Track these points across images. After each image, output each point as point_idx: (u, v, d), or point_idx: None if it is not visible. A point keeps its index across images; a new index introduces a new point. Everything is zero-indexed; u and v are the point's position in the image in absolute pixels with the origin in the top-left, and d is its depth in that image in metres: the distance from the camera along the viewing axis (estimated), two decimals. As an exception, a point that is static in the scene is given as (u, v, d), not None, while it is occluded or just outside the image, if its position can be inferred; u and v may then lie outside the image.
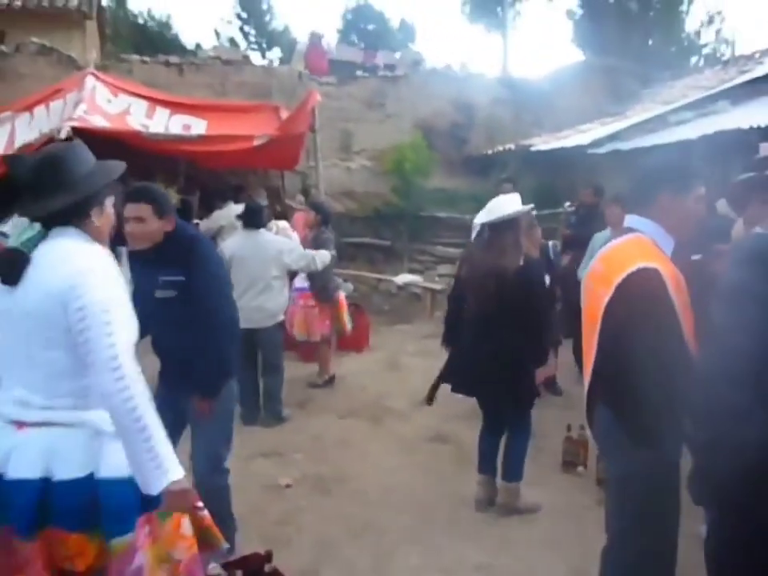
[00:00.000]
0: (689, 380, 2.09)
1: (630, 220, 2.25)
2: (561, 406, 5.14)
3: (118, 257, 2.45)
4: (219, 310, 2.91)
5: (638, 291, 2.00)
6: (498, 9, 22.98)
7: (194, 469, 2.98)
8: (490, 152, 10.78)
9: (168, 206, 2.85)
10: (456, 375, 3.73)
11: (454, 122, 11.27)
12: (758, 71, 9.46)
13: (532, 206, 3.74)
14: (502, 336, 3.49)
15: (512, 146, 10.35)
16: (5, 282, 1.87)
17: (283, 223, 6.71)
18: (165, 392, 2.91)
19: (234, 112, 8.81)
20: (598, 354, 2.14)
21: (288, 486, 4.03)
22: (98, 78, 7.82)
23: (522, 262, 3.47)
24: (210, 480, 2.98)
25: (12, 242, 1.91)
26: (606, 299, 2.07)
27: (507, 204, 3.56)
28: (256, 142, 7.42)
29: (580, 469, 4.17)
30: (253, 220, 5.02)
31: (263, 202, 7.50)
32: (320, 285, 5.81)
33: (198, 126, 7.95)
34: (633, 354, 1.98)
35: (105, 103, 7.53)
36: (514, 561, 3.22)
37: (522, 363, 3.52)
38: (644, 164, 2.32)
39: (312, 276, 5.71)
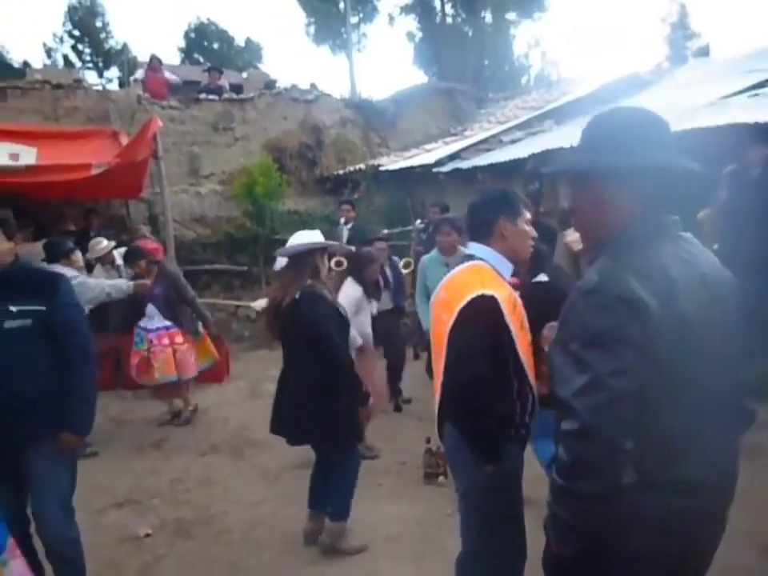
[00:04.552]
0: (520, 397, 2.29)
1: (470, 248, 2.44)
2: (420, 418, 5.30)
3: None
4: (88, 344, 2.85)
5: (477, 316, 2.16)
6: (342, 30, 23.50)
7: (46, 524, 2.76)
8: (340, 172, 10.97)
9: (15, 227, 2.79)
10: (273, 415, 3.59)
11: (303, 144, 11.35)
12: (577, 93, 10.44)
13: (318, 243, 3.46)
14: (295, 373, 3.44)
15: (362, 166, 10.61)
16: None
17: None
18: None
19: (68, 139, 8.31)
20: (444, 375, 2.27)
21: (147, 535, 3.82)
22: None
23: (297, 296, 3.32)
24: (68, 533, 2.83)
25: None
26: (450, 324, 2.22)
27: (300, 239, 3.46)
28: (94, 171, 7.00)
29: (441, 479, 4.32)
30: (48, 254, 5.10)
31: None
32: (185, 320, 5.71)
33: (27, 155, 7.38)
34: (473, 375, 2.14)
35: None
36: (380, 581, 3.29)
37: (320, 399, 3.30)
38: (477, 198, 2.51)
39: (176, 313, 5.63)
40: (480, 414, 2.19)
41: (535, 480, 3.58)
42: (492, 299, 2.17)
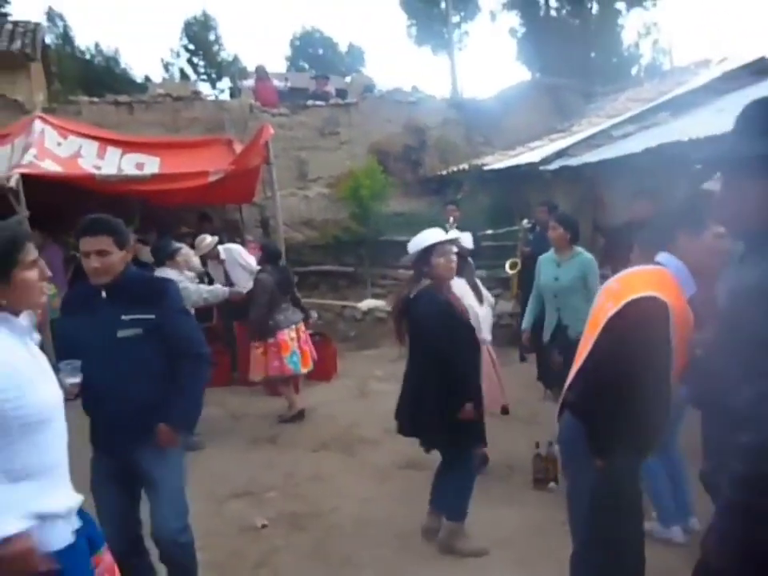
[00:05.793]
0: (659, 410, 2.21)
1: (659, 257, 2.34)
2: (528, 422, 5.21)
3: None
4: (198, 347, 2.89)
5: (641, 315, 2.12)
6: (444, 30, 23.45)
7: (162, 528, 2.77)
8: (444, 173, 10.96)
9: (127, 235, 2.77)
10: (396, 414, 3.70)
11: (407, 145, 11.45)
12: (694, 83, 9.87)
13: (444, 238, 3.60)
14: (415, 372, 3.57)
15: (465, 166, 10.55)
16: None
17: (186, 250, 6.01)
18: (106, 460, 2.77)
19: (187, 148, 8.79)
20: (587, 359, 2.26)
21: (264, 526, 4.00)
22: (45, 121, 7.72)
23: (413, 295, 3.48)
24: (183, 537, 2.84)
25: None
26: (611, 313, 2.19)
27: (421, 240, 3.56)
28: (211, 178, 7.39)
29: (551, 485, 4.23)
30: (155, 258, 5.44)
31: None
32: (252, 323, 5.96)
33: (151, 164, 7.90)
34: (616, 367, 2.12)
35: (54, 146, 7.44)
36: (491, 584, 3.27)
37: (437, 400, 3.39)
38: (661, 211, 2.45)
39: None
40: (607, 412, 2.16)
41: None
42: (663, 305, 2.11)
